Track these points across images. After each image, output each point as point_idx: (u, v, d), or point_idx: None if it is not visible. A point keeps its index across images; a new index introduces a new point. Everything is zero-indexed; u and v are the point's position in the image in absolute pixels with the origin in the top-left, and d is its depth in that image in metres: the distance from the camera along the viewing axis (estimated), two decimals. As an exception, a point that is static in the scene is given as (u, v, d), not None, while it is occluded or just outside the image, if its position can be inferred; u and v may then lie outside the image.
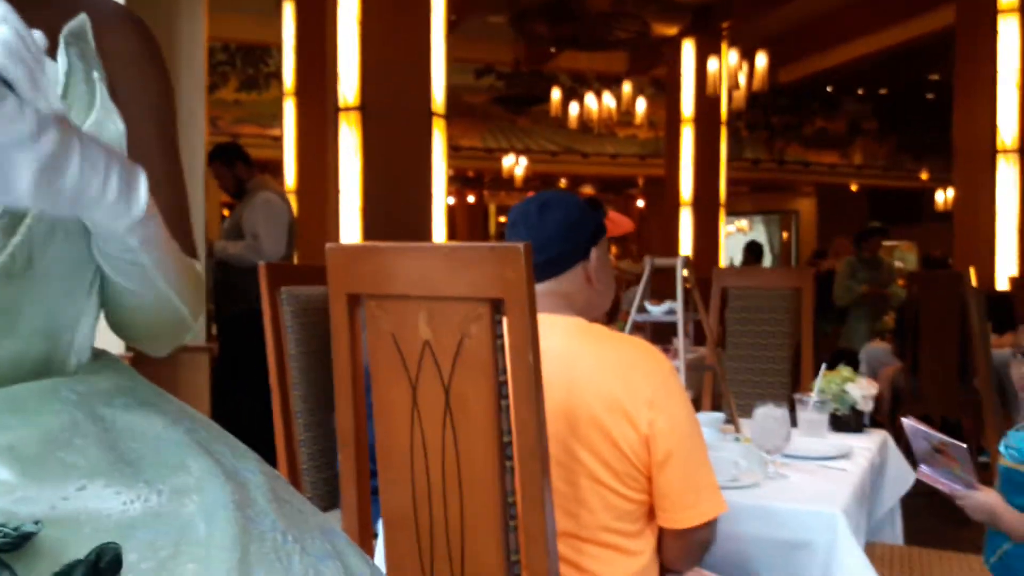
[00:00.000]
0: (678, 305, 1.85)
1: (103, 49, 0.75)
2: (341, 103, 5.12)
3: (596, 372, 1.39)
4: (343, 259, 1.36)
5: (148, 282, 0.74)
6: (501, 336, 1.22)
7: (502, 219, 15.04)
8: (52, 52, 0.70)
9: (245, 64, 9.35)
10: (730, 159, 9.28)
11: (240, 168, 4.05)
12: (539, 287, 1.37)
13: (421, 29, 5.19)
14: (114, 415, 0.70)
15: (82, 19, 0.74)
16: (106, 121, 0.71)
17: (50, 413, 0.67)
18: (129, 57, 0.77)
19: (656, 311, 1.94)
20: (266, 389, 2.13)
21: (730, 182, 9.34)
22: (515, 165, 11.59)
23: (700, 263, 8.73)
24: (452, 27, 5.42)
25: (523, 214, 1.48)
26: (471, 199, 14.16)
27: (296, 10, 6.95)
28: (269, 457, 0.87)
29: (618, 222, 1.71)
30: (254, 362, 2.77)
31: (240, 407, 3.42)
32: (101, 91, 0.72)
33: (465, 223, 13.81)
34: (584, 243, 1.49)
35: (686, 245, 8.99)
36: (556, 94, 9.26)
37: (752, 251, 8.58)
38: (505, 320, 1.21)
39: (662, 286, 2.42)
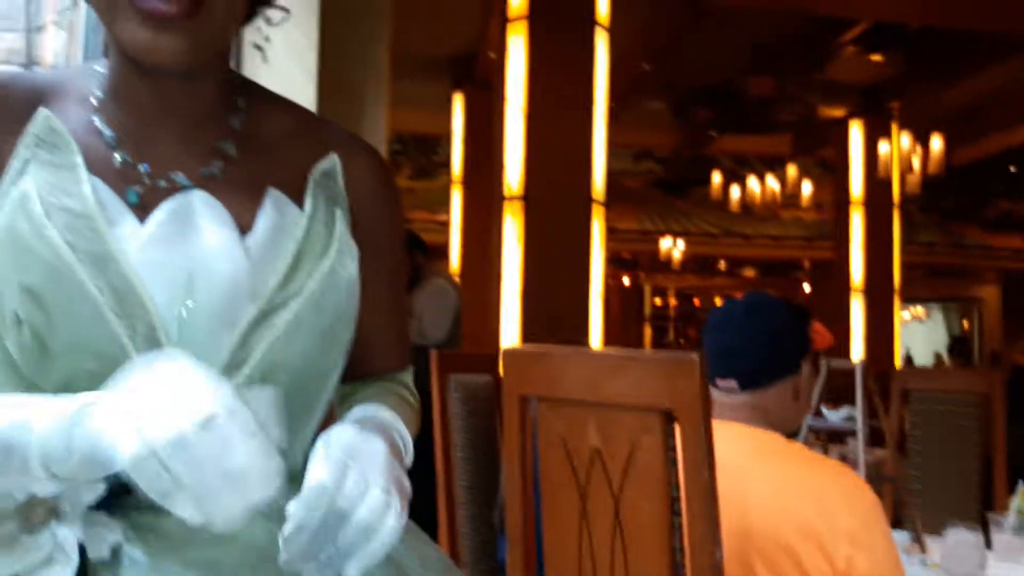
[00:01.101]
0: (858, 412, 1.76)
1: (347, 182, 0.80)
2: (505, 192, 5.30)
3: (791, 495, 1.32)
4: (518, 362, 1.39)
5: None
6: (674, 448, 1.20)
7: (657, 301, 14.89)
8: (297, 190, 0.76)
9: (417, 153, 9.89)
10: (903, 243, 8.84)
11: (417, 256, 4.26)
12: (740, 397, 1.33)
13: (583, 119, 5.33)
14: None
15: (333, 160, 0.79)
16: (339, 266, 0.75)
17: (252, 532, 0.69)
18: (371, 193, 0.82)
19: (834, 417, 1.85)
20: (429, 471, 2.18)
21: (904, 267, 8.87)
22: (673, 247, 11.50)
23: (874, 352, 8.25)
24: (612, 115, 5.53)
25: (727, 317, 1.44)
26: (626, 281, 14.13)
27: (465, 104, 7.32)
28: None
29: (823, 334, 1.64)
30: (419, 447, 2.85)
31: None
32: (340, 231, 0.76)
33: (619, 305, 13.77)
34: (795, 355, 1.43)
35: (858, 332, 8.55)
36: (717, 177, 9.19)
37: (957, 349, 7.89)
38: (678, 432, 1.19)
39: (836, 383, 2.31)
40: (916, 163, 7.45)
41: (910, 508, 2.01)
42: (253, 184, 0.74)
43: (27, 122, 0.72)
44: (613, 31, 5.45)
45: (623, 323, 13.32)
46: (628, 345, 13.40)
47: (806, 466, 1.36)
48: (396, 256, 0.86)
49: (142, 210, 0.71)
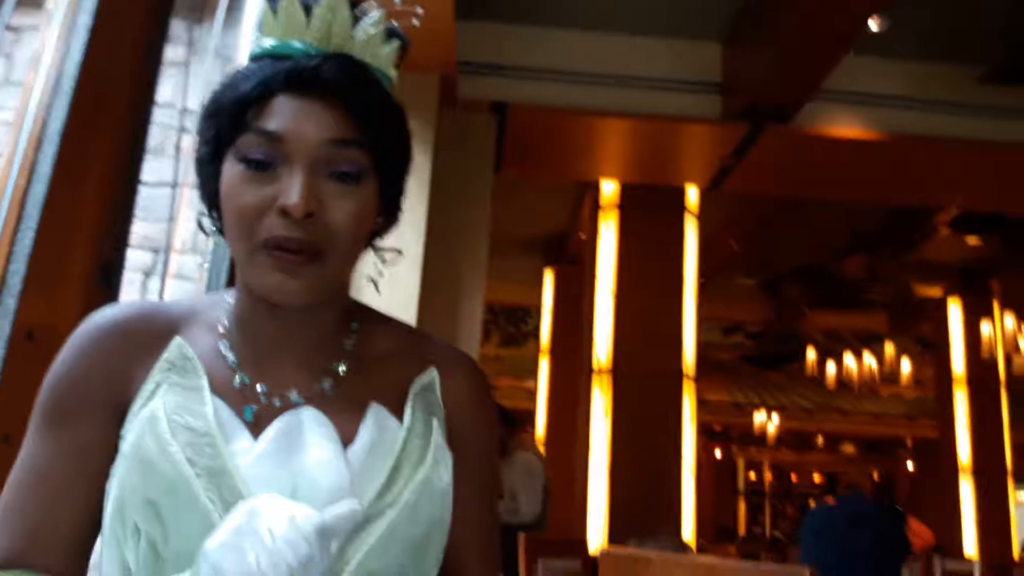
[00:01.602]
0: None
1: (445, 394, 0.86)
2: (594, 365, 5.33)
3: None
4: (615, 566, 1.38)
5: None
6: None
7: (752, 475, 14.33)
8: (398, 404, 0.82)
9: (507, 323, 10.12)
10: (1013, 422, 8.39)
11: (503, 428, 4.28)
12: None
13: (672, 294, 5.41)
14: None
15: (432, 374, 0.86)
16: (433, 477, 0.79)
17: None
18: (467, 403, 0.87)
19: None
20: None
21: (1015, 448, 8.37)
22: (767, 421, 11.19)
23: (986, 536, 7.67)
24: (701, 289, 5.59)
25: (828, 526, 1.42)
26: (718, 453, 13.72)
27: (555, 278, 7.54)
28: None
29: (920, 535, 1.59)
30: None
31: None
32: (436, 442, 0.81)
33: (711, 478, 13.31)
34: (898, 564, 1.40)
35: (968, 514, 7.99)
36: (811, 353, 9.04)
37: None
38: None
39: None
40: (1022, 344, 7.19)
41: None
42: (358, 399, 0.80)
43: (163, 349, 0.81)
44: (702, 217, 5.60)
45: (716, 497, 12.82)
46: (722, 519, 12.82)
47: None
48: (489, 467, 0.89)
49: (256, 427, 0.77)
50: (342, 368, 0.82)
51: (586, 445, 5.26)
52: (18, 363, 1.30)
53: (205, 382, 0.79)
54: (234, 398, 0.79)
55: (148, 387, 0.79)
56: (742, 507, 13.86)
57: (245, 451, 0.75)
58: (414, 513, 0.76)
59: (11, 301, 1.32)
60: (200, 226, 0.85)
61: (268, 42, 0.79)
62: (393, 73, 0.83)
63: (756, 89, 4.45)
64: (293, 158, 0.74)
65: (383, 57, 0.81)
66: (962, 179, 5.31)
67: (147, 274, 2.81)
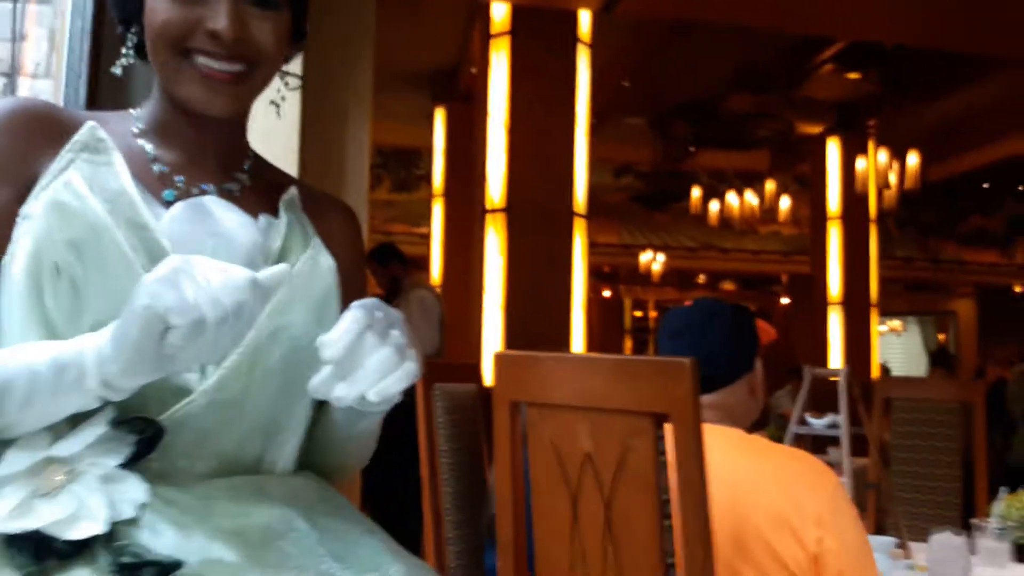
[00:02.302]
0: (842, 419, 1.78)
1: (318, 224, 0.93)
2: (488, 205, 5.31)
3: (760, 487, 1.35)
4: (509, 367, 1.39)
5: (373, 429, 0.91)
6: (664, 452, 1.21)
7: (637, 313, 14.95)
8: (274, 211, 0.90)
9: (398, 167, 9.90)
10: (881, 257, 8.94)
11: (395, 267, 4.25)
12: (705, 399, 1.36)
13: (565, 133, 5.36)
14: (317, 517, 0.78)
15: (293, 191, 0.93)
16: (318, 256, 0.88)
17: (266, 505, 0.75)
18: (339, 233, 0.96)
19: (818, 424, 1.87)
20: (416, 483, 2.17)
21: (882, 281, 8.97)
22: (652, 261, 11.57)
23: (852, 363, 8.32)
24: (592, 130, 5.57)
25: (686, 324, 1.48)
26: (606, 293, 14.19)
27: (446, 118, 7.34)
28: (416, 550, 0.92)
29: (766, 330, 1.69)
30: (405, 455, 2.84)
31: (391, 500, 3.48)
32: (314, 238, 0.90)
33: (599, 317, 13.82)
34: (750, 354, 1.48)
35: (836, 346, 8.62)
36: (696, 192, 9.26)
37: (941, 360, 7.92)
38: (670, 436, 1.20)
39: (818, 392, 2.33)
40: (893, 179, 7.55)
41: (895, 515, 2.03)
42: (252, 209, 0.88)
43: (72, 134, 0.82)
44: (595, 48, 5.49)
45: (604, 335, 13.36)
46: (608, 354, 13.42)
47: (774, 456, 1.40)
48: (360, 284, 0.99)
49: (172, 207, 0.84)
50: (244, 178, 0.90)
51: (480, 284, 5.31)
52: None
53: (119, 158, 0.81)
54: (152, 183, 0.83)
55: (57, 165, 0.80)
56: (628, 343, 14.52)
57: (160, 216, 0.80)
58: (309, 280, 0.85)
59: None
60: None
61: None
62: None
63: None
64: None
65: None
66: (850, 7, 5.36)
67: (-4, 101, 2.56)
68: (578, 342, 5.41)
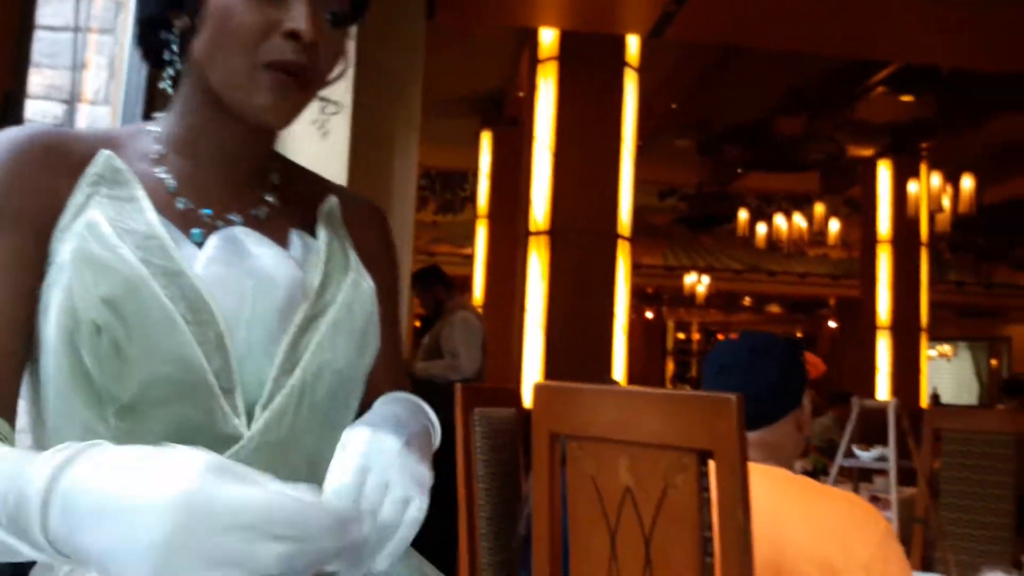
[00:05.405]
0: (891, 453, 1.74)
1: (356, 236, 0.91)
2: (531, 227, 5.33)
3: (807, 530, 1.32)
4: (549, 399, 1.39)
5: None
6: (707, 489, 1.19)
7: (680, 336, 14.81)
8: (311, 228, 0.87)
9: (443, 189, 9.99)
10: (932, 282, 8.76)
11: (439, 290, 4.30)
12: (751, 436, 1.34)
13: (610, 156, 5.37)
14: None
15: (333, 201, 0.90)
16: (360, 280, 0.86)
17: None
18: (375, 245, 0.93)
19: (865, 457, 1.83)
20: (453, 505, 2.18)
21: (933, 306, 8.78)
22: (697, 283, 11.47)
23: (901, 389, 8.14)
24: (638, 152, 5.56)
25: (733, 359, 1.46)
26: (649, 315, 14.09)
27: (493, 141, 7.41)
28: (450, 573, 0.93)
29: (815, 364, 1.66)
30: (442, 478, 2.85)
31: (425, 523, 3.49)
32: (352, 255, 0.87)
33: (642, 339, 13.72)
34: (798, 390, 1.45)
35: (883, 370, 8.45)
36: (743, 214, 9.17)
37: (1016, 389, 7.48)
38: (713, 473, 1.18)
39: (865, 419, 2.28)
40: (946, 202, 7.40)
41: (943, 550, 1.97)
42: (282, 228, 0.85)
43: (88, 165, 0.77)
44: (643, 71, 5.49)
45: (646, 357, 13.26)
46: (650, 379, 13.33)
47: (818, 499, 1.37)
48: (392, 295, 0.95)
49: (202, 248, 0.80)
50: (272, 198, 0.86)
51: (523, 306, 5.32)
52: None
53: (142, 192, 0.77)
54: (177, 219, 0.78)
55: (76, 200, 0.76)
56: (670, 366, 14.38)
57: (193, 257, 0.76)
58: (351, 309, 0.82)
59: None
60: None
61: None
62: None
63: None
64: None
65: None
66: (903, 30, 5.28)
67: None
68: (619, 364, 5.38)
